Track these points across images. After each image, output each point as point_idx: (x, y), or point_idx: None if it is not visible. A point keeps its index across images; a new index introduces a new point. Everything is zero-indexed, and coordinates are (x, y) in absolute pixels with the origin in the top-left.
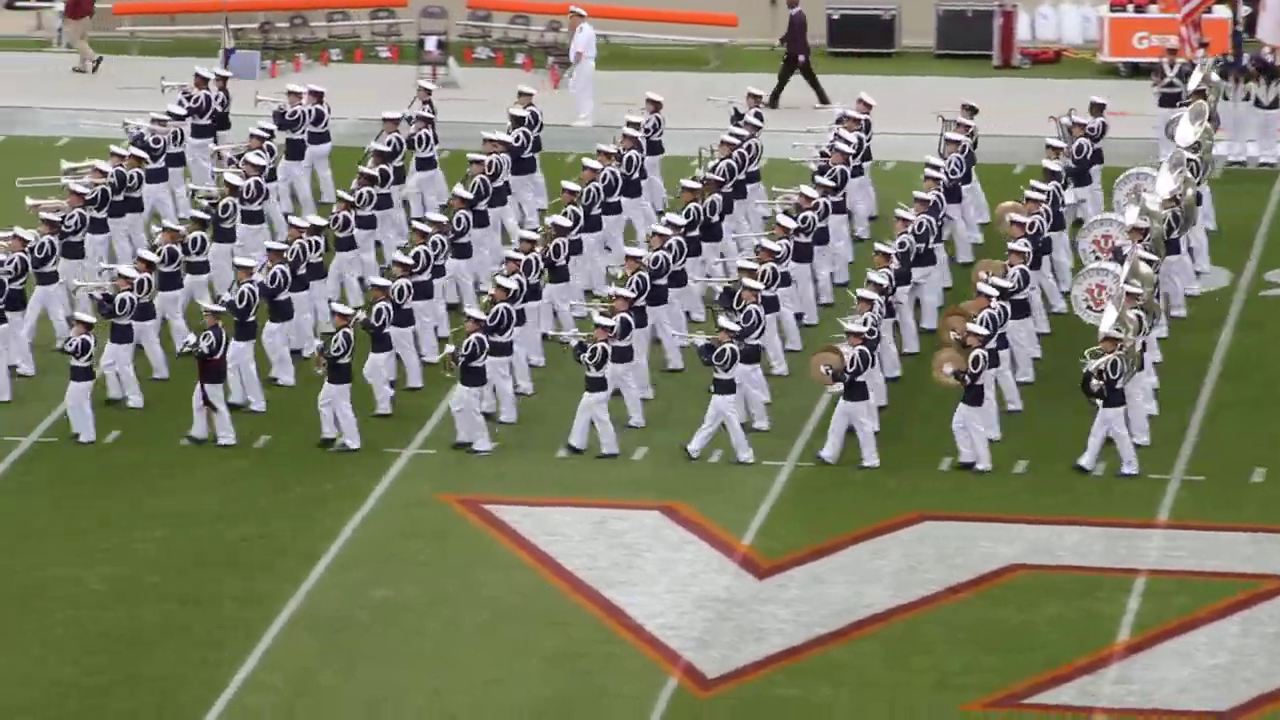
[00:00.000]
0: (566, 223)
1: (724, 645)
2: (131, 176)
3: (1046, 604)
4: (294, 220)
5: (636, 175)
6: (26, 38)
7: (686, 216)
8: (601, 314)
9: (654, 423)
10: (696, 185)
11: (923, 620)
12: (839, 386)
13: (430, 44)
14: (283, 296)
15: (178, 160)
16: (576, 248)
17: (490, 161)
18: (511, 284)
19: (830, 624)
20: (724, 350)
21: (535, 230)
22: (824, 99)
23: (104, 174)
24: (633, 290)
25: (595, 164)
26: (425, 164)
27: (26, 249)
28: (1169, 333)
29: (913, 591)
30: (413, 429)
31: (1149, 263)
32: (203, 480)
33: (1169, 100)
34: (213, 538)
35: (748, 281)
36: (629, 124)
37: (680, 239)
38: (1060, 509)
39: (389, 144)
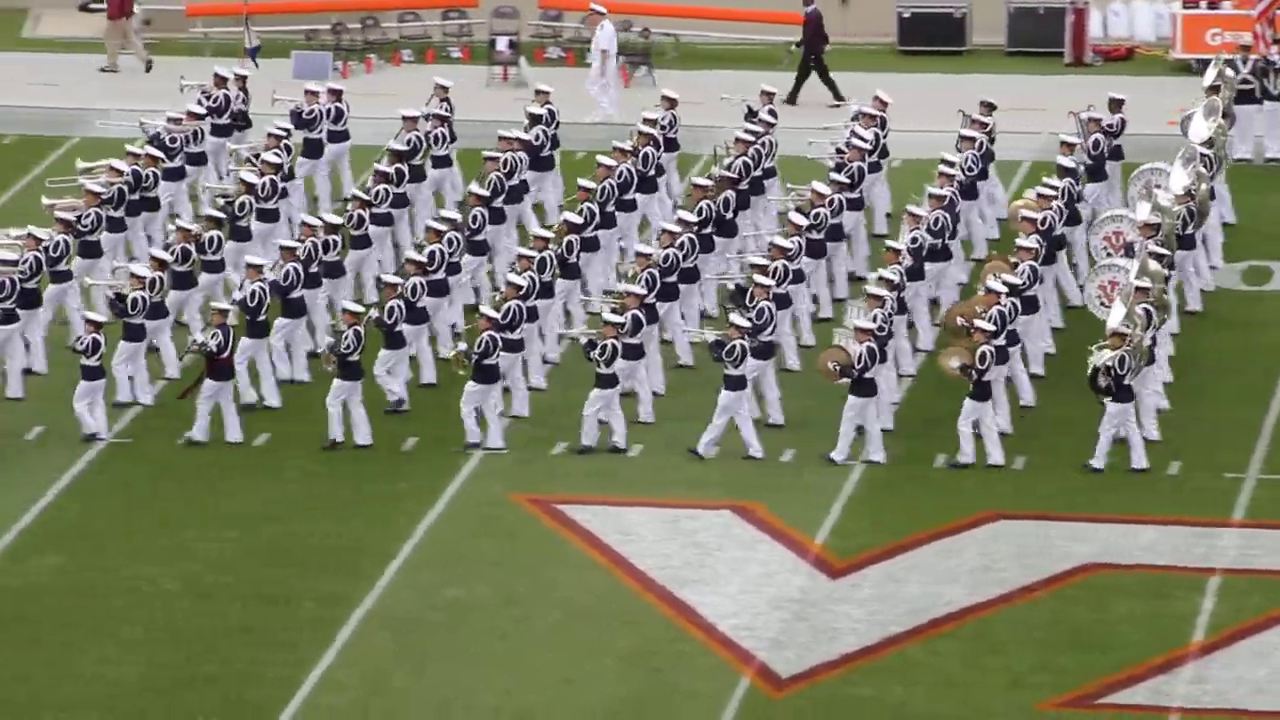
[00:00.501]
0: (579, 220)
1: (797, 645)
2: (148, 176)
3: (1121, 603)
4: (306, 218)
5: (652, 172)
6: (98, 39)
7: (699, 214)
8: (612, 311)
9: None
10: (707, 183)
11: (997, 619)
12: (846, 382)
13: (502, 44)
14: (295, 294)
15: (199, 159)
16: (591, 245)
17: (505, 159)
18: (523, 281)
19: (904, 623)
20: (734, 346)
21: (549, 227)
22: (839, 96)
23: (120, 173)
24: (643, 287)
25: (610, 161)
26: (441, 162)
27: (40, 248)
28: (1179, 327)
29: (987, 590)
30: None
31: (1159, 258)
32: (275, 480)
33: (1244, 98)
34: (286, 538)
35: (759, 278)
36: (645, 120)
37: (691, 236)
38: (1134, 508)
39: (407, 142)
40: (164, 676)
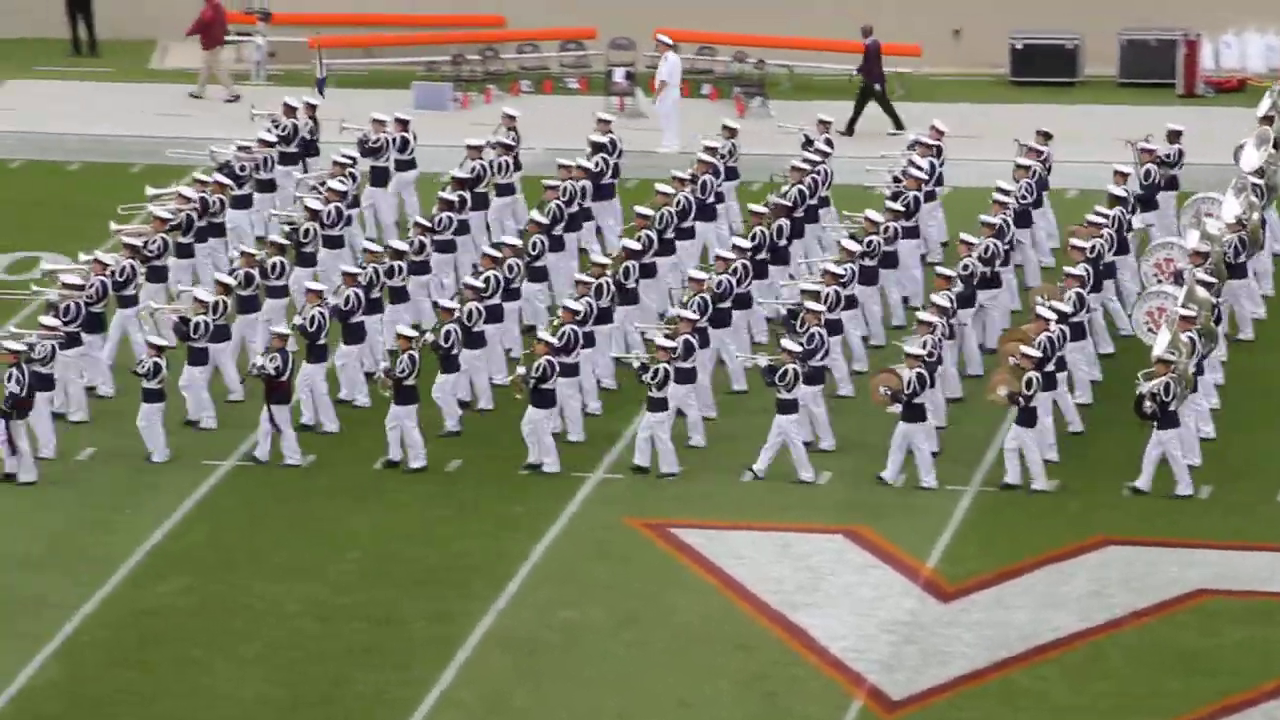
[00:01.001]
0: (637, 246)
1: (908, 668)
2: (215, 202)
3: (1231, 629)
4: (368, 245)
5: (711, 199)
6: (231, 71)
7: (753, 240)
8: (666, 336)
9: (840, 447)
10: (763, 210)
11: (1106, 644)
12: (898, 408)
13: (618, 75)
14: (356, 319)
15: (268, 186)
16: (649, 271)
17: (565, 187)
18: (580, 306)
19: (1014, 648)
20: (786, 371)
21: (606, 255)
22: (899, 125)
23: (188, 200)
24: (695, 312)
25: (669, 189)
26: (505, 189)
27: (107, 273)
28: (1228, 354)
29: (1097, 616)
30: (600, 454)
31: (1207, 286)
32: (394, 503)
33: None
34: (405, 559)
35: (810, 304)
36: (706, 149)
37: (745, 262)
38: (1245, 534)
39: (471, 170)
40: (287, 695)
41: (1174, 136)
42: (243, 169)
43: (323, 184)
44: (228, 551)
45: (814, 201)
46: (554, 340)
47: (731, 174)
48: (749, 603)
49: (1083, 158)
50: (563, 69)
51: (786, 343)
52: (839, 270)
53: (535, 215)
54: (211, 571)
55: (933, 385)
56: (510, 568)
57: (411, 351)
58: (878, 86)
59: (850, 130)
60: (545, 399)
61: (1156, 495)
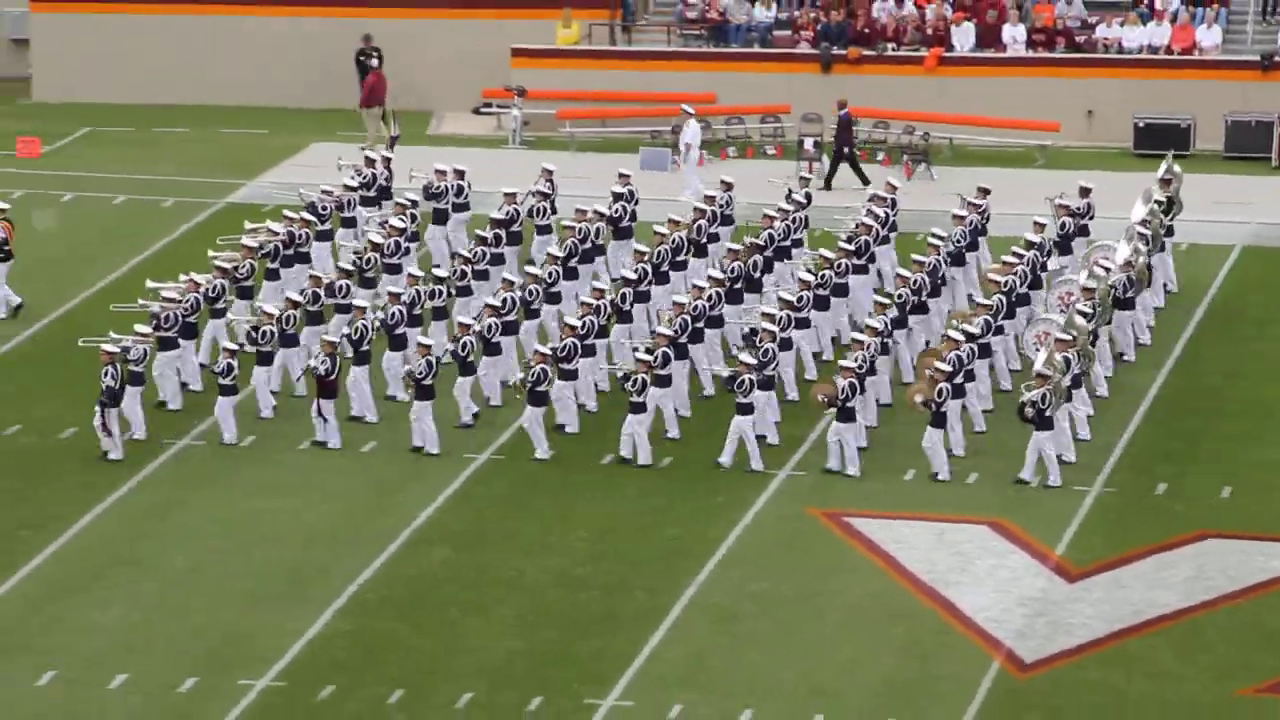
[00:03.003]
0: (633, 276)
1: (1039, 636)
2: (301, 235)
3: None
4: (411, 270)
5: (705, 240)
6: (489, 137)
7: (730, 274)
8: (646, 350)
9: (983, 451)
10: (739, 248)
11: (1205, 621)
12: (833, 410)
13: (808, 143)
14: (399, 331)
15: (351, 223)
16: (644, 297)
17: (580, 228)
18: (578, 323)
19: (1127, 621)
20: (743, 380)
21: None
22: (865, 181)
23: (276, 233)
24: (674, 330)
25: (664, 230)
26: (543, 230)
27: (200, 290)
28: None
29: (1197, 596)
30: (788, 455)
31: (1086, 316)
32: (621, 493)
33: None
34: (628, 540)
35: (765, 324)
36: (706, 199)
37: (718, 290)
38: None
39: (506, 214)
40: (530, 650)
41: (1085, 193)
42: (324, 208)
43: (385, 222)
44: (481, 530)
45: (786, 242)
46: (546, 351)
47: (727, 220)
48: (908, 581)
49: (1193, 218)
50: (762, 138)
51: (744, 356)
52: (790, 298)
53: (552, 249)
54: (467, 546)
55: (863, 392)
56: (711, 549)
57: (429, 357)
58: (846, 150)
59: (828, 185)
60: (539, 399)
61: (1248, 496)
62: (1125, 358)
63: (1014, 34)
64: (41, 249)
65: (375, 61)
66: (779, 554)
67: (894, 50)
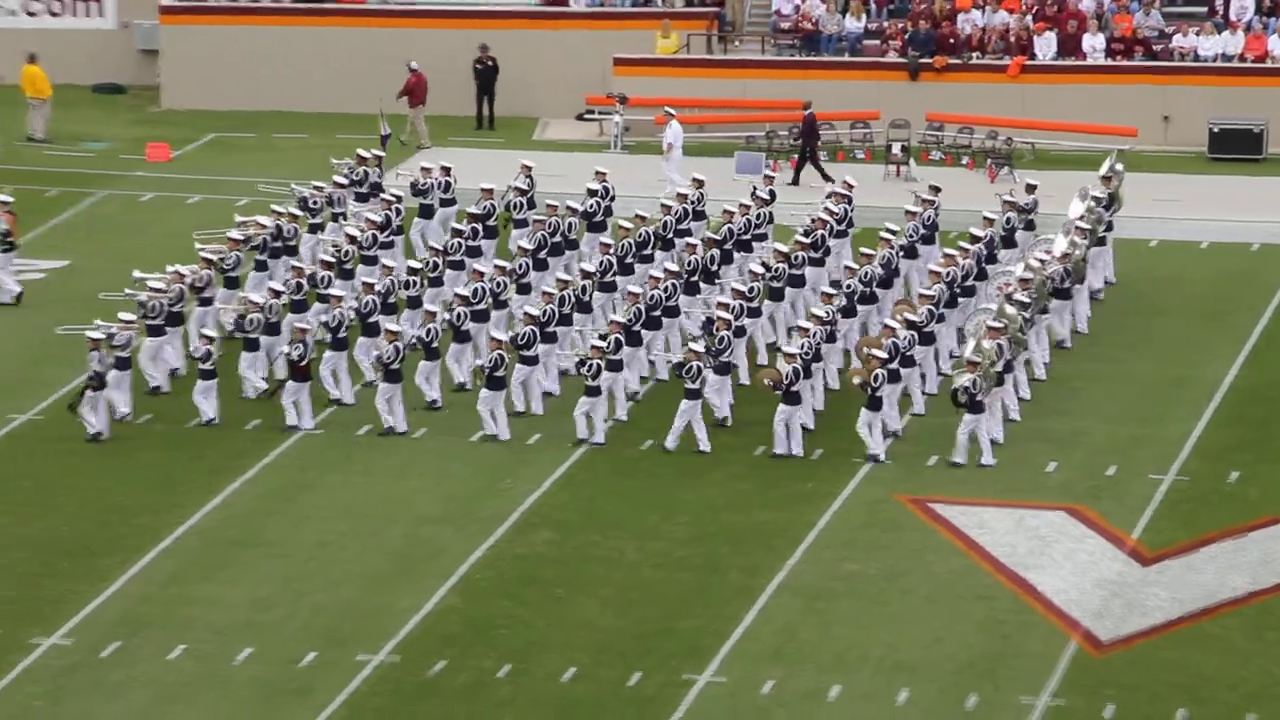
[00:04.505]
0: (591, 268)
1: (1115, 617)
2: (290, 230)
3: None
4: (385, 261)
5: (670, 235)
6: (591, 142)
7: (685, 266)
8: (601, 337)
9: (1069, 443)
10: (697, 243)
11: (1274, 602)
12: (779, 394)
13: (896, 148)
14: (372, 319)
15: (343, 218)
16: (607, 288)
17: (550, 222)
18: (536, 312)
19: (1200, 603)
20: (692, 366)
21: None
22: (827, 179)
23: (265, 226)
24: (629, 319)
25: (629, 224)
26: (520, 224)
27: (185, 281)
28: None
29: (1266, 580)
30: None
31: (1020, 305)
32: (715, 480)
33: None
34: (723, 523)
35: (720, 313)
36: (678, 195)
37: (674, 281)
38: None
39: (482, 208)
40: (630, 626)
41: (1031, 189)
42: (315, 203)
43: (363, 215)
44: (583, 513)
45: (746, 237)
46: (504, 339)
47: (699, 215)
48: (990, 563)
49: (1265, 218)
50: (852, 143)
51: (694, 344)
52: (743, 288)
53: (522, 242)
54: (571, 528)
55: (809, 377)
56: (802, 531)
57: (398, 343)
58: (809, 149)
59: (796, 181)
60: (496, 383)
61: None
62: (1064, 344)
63: (1093, 43)
64: (172, 246)
65: (415, 63)
66: (867, 537)
67: (979, 59)
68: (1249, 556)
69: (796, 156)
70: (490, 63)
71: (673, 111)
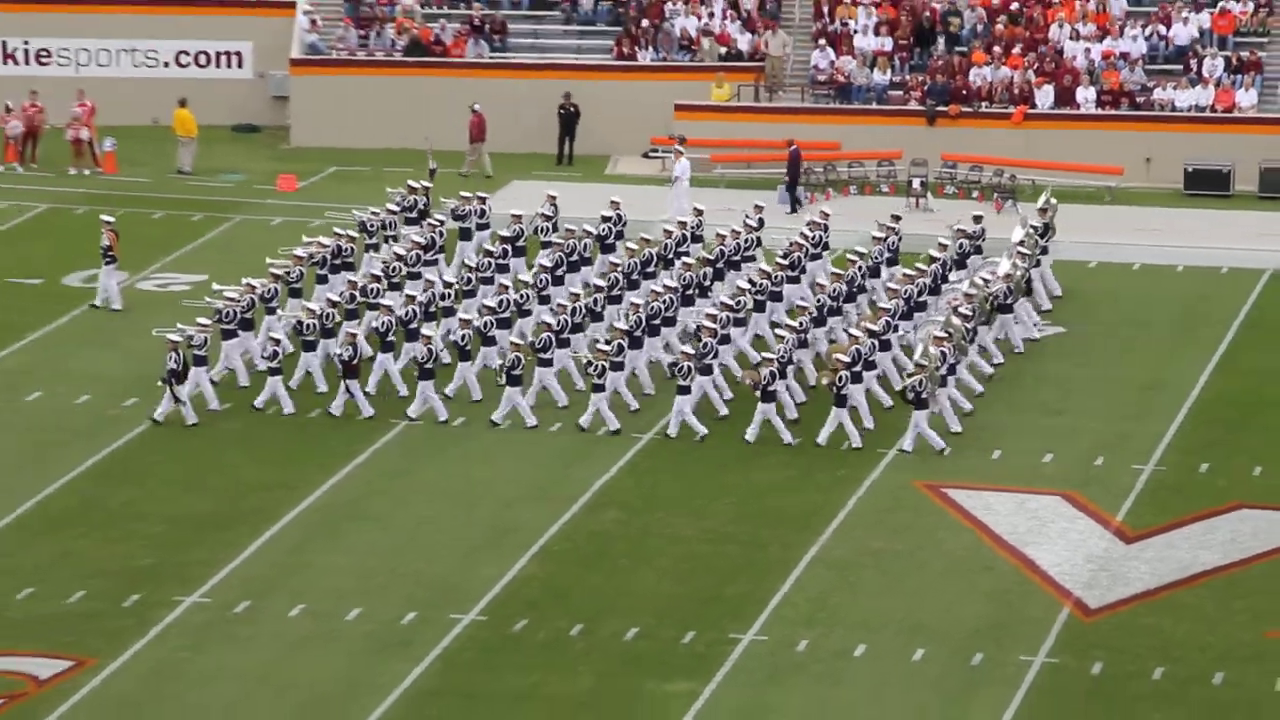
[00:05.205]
0: (604, 284)
1: (1102, 587)
2: (347, 249)
3: None
4: (427, 275)
5: (671, 255)
6: (655, 176)
7: (683, 282)
8: (606, 342)
9: (1063, 438)
10: (692, 261)
11: (1241, 576)
12: (759, 392)
13: (915, 184)
14: (414, 325)
15: (394, 239)
16: (615, 300)
17: (568, 244)
18: (553, 320)
19: (1175, 575)
20: (684, 367)
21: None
22: (794, 207)
23: (325, 246)
24: (630, 326)
25: (635, 245)
26: (546, 245)
27: (256, 293)
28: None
29: (1234, 555)
30: (895, 438)
31: (964, 318)
32: (760, 465)
33: None
34: (765, 504)
35: (706, 322)
36: (679, 223)
37: (673, 295)
38: None
39: (513, 231)
40: (685, 593)
41: (977, 220)
42: (372, 227)
43: (410, 238)
44: (645, 495)
45: (737, 258)
46: (523, 343)
47: (697, 239)
48: (994, 540)
49: (1232, 246)
50: (877, 179)
51: (684, 348)
52: (730, 301)
53: (544, 261)
54: (635, 508)
55: (784, 378)
56: (834, 512)
57: (430, 346)
58: (792, 180)
59: (794, 210)
60: (515, 381)
61: (1277, 475)
62: (1016, 350)
63: (1085, 95)
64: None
65: (477, 105)
66: (889, 517)
67: (987, 107)
68: (1218, 536)
69: (785, 187)
70: (572, 108)
71: (681, 149)
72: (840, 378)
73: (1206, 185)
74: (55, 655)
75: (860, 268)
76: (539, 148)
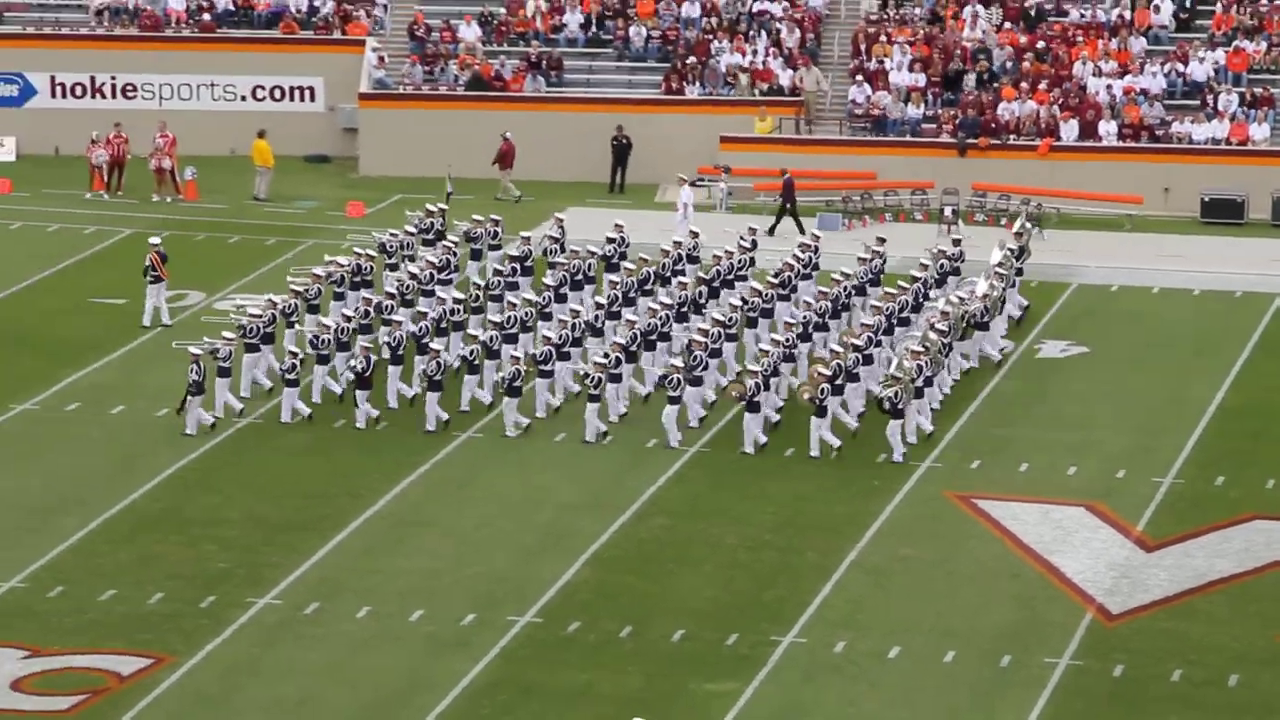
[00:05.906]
0: (603, 300)
1: (1123, 593)
2: (367, 267)
3: None
4: (440, 293)
5: (668, 274)
6: (701, 204)
7: (678, 300)
8: (604, 356)
9: (1086, 451)
10: (688, 280)
11: (1255, 583)
12: (744, 404)
13: (947, 211)
14: (425, 340)
15: (412, 259)
16: (614, 315)
17: (573, 265)
18: (553, 335)
19: (1192, 582)
20: (674, 379)
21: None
22: (802, 230)
23: (343, 265)
24: (626, 340)
25: (632, 265)
26: (554, 265)
27: (278, 308)
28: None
29: (1248, 564)
30: (928, 451)
31: (941, 333)
32: (794, 475)
33: None
34: (803, 513)
35: (696, 337)
36: (674, 243)
37: (668, 312)
38: None
39: (521, 252)
40: (727, 596)
41: (957, 243)
42: (391, 247)
43: (424, 259)
44: (690, 504)
45: (730, 276)
46: (521, 356)
47: (694, 259)
48: (1021, 548)
49: (1246, 271)
50: (912, 206)
51: (674, 361)
52: (720, 316)
53: (548, 279)
54: (681, 516)
55: (769, 390)
56: (869, 521)
57: (437, 360)
58: (788, 205)
59: (772, 232)
60: (515, 392)
61: None
62: (996, 360)
63: (1108, 128)
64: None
65: (509, 133)
66: (921, 526)
67: (1015, 140)
68: (1233, 546)
69: (776, 213)
70: (625, 140)
71: (684, 177)
72: (822, 390)
73: (1222, 214)
74: (136, 653)
75: (845, 287)
76: (593, 177)
